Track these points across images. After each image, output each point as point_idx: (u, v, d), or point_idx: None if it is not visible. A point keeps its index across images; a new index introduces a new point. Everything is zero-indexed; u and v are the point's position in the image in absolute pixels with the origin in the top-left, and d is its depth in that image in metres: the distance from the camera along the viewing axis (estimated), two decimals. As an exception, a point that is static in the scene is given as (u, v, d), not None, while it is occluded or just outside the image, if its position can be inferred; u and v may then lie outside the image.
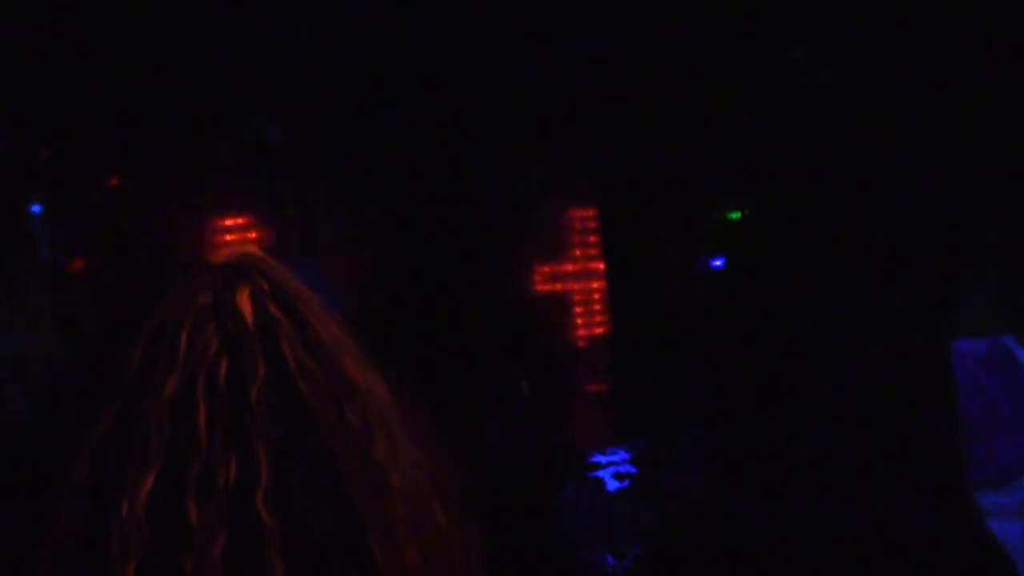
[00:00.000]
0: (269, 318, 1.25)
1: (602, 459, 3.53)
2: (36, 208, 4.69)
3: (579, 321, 5.44)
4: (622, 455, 3.53)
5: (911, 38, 4.44)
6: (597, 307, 5.38)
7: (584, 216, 5.43)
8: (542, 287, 5.39)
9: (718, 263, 4.76)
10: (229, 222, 5.06)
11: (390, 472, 1.26)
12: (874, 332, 3.04)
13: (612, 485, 3.46)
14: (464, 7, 4.88)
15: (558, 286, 5.41)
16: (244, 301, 1.25)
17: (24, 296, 4.50)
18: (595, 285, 5.40)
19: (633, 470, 3.46)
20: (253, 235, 5.09)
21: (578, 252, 5.44)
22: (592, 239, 5.40)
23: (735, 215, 4.60)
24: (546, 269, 5.42)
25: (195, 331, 1.23)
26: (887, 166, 4.26)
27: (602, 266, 5.40)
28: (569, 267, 5.38)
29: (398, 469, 1.27)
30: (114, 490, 1.19)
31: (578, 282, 5.42)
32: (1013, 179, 4.00)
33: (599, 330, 5.39)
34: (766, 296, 3.24)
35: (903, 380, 2.98)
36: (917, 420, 2.96)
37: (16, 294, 4.50)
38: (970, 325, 3.54)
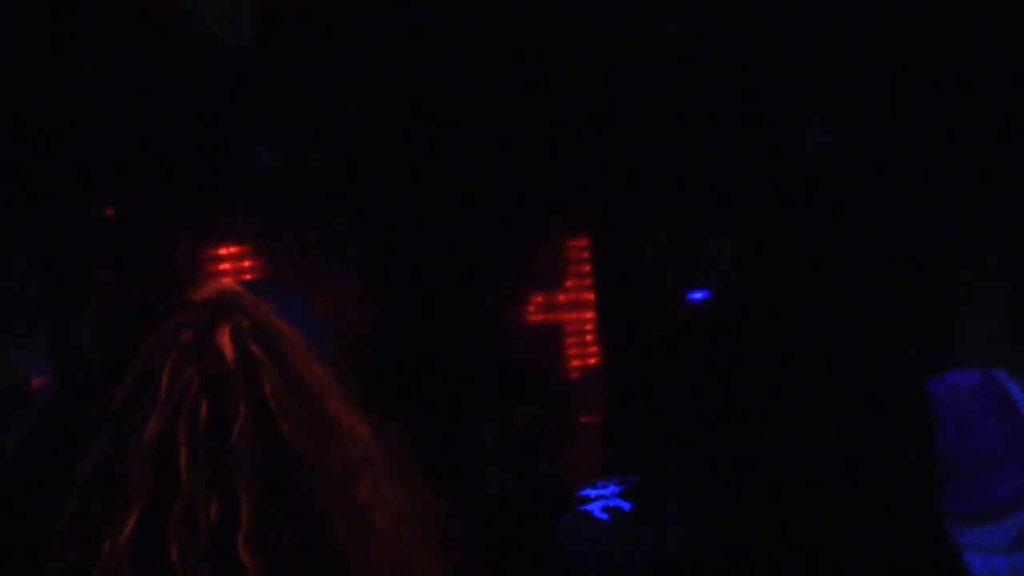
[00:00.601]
0: (250, 357, 1.25)
1: (592, 492, 3.52)
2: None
3: (572, 352, 5.43)
4: (612, 488, 3.52)
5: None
6: (590, 338, 5.37)
7: (578, 245, 5.43)
8: (535, 318, 5.39)
9: (699, 296, 4.78)
10: (224, 251, 5.06)
11: (373, 514, 1.26)
12: (860, 365, 3.05)
13: (602, 519, 3.45)
14: (460, 37, 4.90)
15: (551, 316, 5.41)
16: (224, 340, 1.25)
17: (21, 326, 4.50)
18: (588, 315, 5.40)
19: (623, 504, 3.45)
20: (247, 264, 5.08)
21: (571, 282, 5.43)
22: (585, 269, 5.40)
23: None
24: (539, 299, 5.42)
25: (176, 370, 1.23)
26: (880, 201, 4.29)
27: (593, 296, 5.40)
28: (561, 297, 5.37)
29: (382, 511, 1.27)
30: (97, 530, 1.19)
31: (571, 312, 5.42)
32: (1004, 212, 4.02)
33: (592, 361, 5.39)
34: (753, 328, 3.25)
35: (882, 414, 3.00)
36: (894, 452, 2.97)
37: (13, 324, 4.50)
38: (960, 357, 3.55)
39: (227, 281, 1.36)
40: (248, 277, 4.99)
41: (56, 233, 4.58)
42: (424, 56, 4.84)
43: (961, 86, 4.47)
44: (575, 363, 5.42)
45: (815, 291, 3.21)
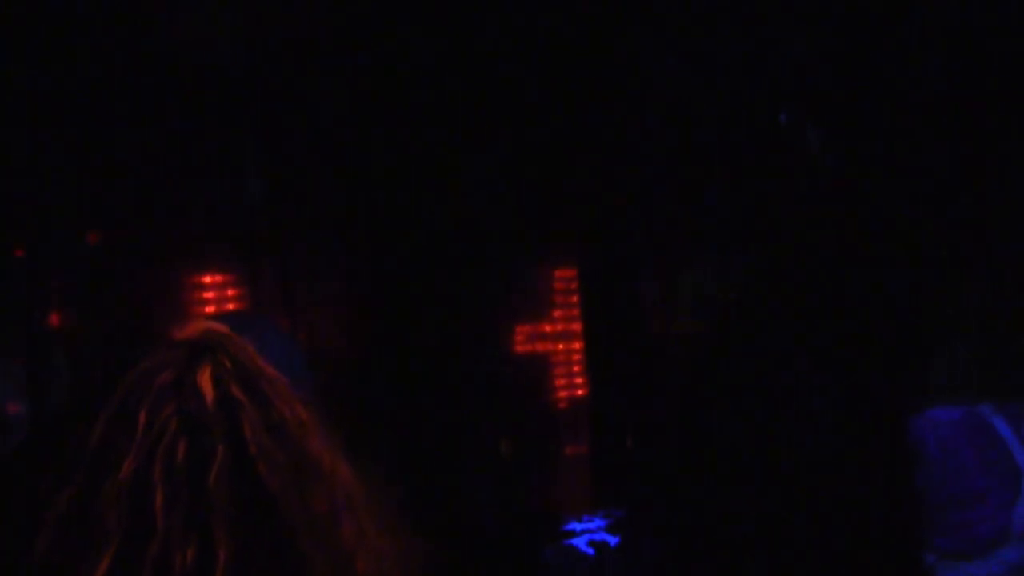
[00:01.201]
0: (231, 399, 1.24)
1: (577, 526, 3.51)
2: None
3: (560, 382, 5.42)
4: (598, 523, 3.50)
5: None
6: (577, 368, 5.36)
7: (566, 276, 5.43)
8: (522, 348, 5.38)
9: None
10: (208, 279, 5.04)
11: (355, 557, 1.24)
12: (839, 398, 3.04)
13: (587, 553, 3.43)
14: (450, 68, 4.91)
15: (539, 347, 5.40)
16: (205, 381, 1.24)
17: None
18: (576, 346, 5.39)
19: (609, 538, 3.44)
20: (231, 292, 5.07)
21: (559, 313, 5.43)
22: (574, 299, 5.39)
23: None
24: (527, 329, 5.41)
25: (154, 410, 1.21)
26: (861, 235, 4.29)
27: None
28: (549, 328, 5.37)
29: (363, 554, 1.25)
30: (70, 570, 1.17)
31: (559, 343, 5.41)
32: (985, 245, 4.02)
33: (580, 392, 5.38)
34: (733, 363, 3.24)
35: (865, 449, 2.99)
36: (877, 488, 2.96)
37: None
38: (946, 392, 3.54)
39: (211, 321, 1.34)
40: (232, 306, 4.98)
41: (34, 258, 4.56)
42: (413, 84, 4.85)
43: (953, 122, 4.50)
44: (563, 394, 5.41)
45: (795, 326, 3.21)
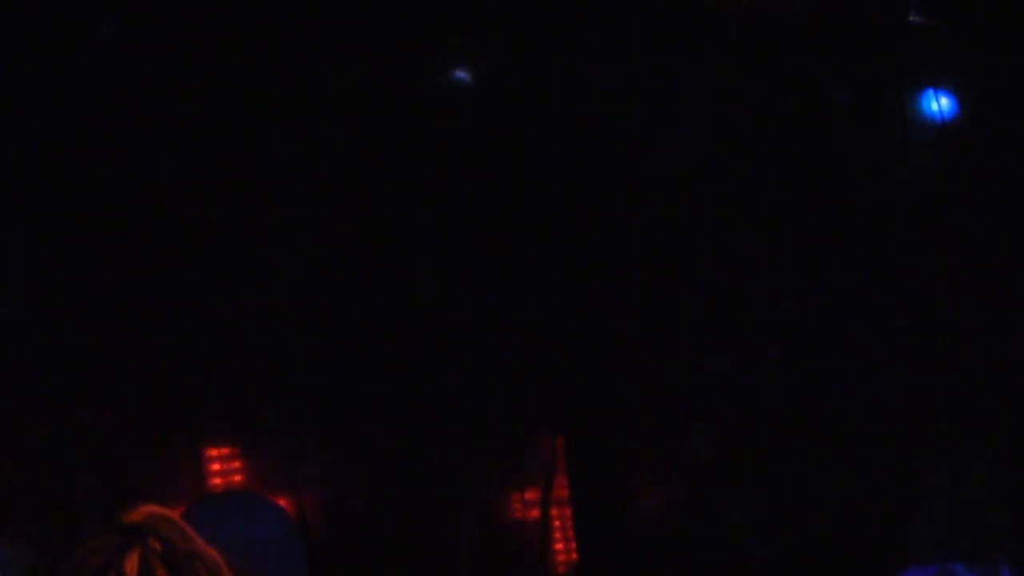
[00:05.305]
0: None
1: None
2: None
3: (558, 547, 5.49)
4: None
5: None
6: (572, 533, 5.43)
7: (557, 445, 5.53)
8: (520, 515, 5.46)
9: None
10: (215, 452, 5.15)
11: None
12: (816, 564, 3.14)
13: None
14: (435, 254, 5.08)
15: (536, 513, 5.47)
16: (132, 563, 1.31)
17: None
18: (569, 512, 5.47)
19: None
20: (238, 464, 5.17)
21: (558, 480, 5.51)
22: (562, 466, 5.48)
23: None
24: (525, 496, 5.49)
25: None
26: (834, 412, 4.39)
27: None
28: (542, 495, 5.45)
29: None
30: None
31: (557, 508, 5.49)
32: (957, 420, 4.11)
33: (576, 556, 5.44)
34: (721, 528, 3.34)
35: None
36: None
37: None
38: (919, 552, 3.60)
39: (153, 505, 1.40)
40: (238, 478, 5.08)
41: (47, 437, 4.65)
42: (411, 284, 5.01)
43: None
44: (561, 557, 5.47)
45: (770, 490, 3.31)
